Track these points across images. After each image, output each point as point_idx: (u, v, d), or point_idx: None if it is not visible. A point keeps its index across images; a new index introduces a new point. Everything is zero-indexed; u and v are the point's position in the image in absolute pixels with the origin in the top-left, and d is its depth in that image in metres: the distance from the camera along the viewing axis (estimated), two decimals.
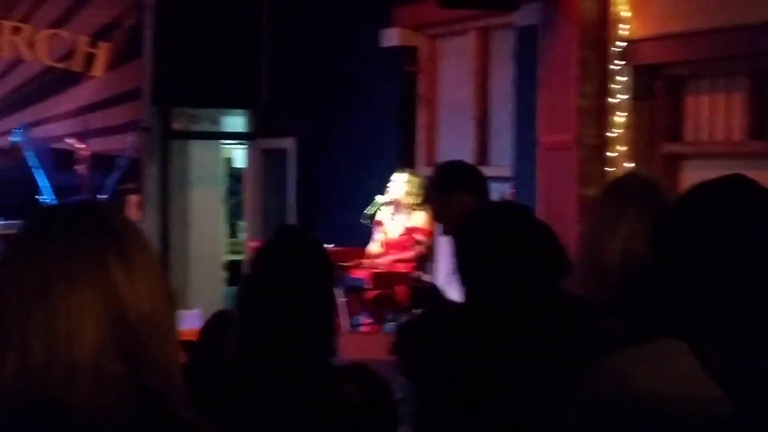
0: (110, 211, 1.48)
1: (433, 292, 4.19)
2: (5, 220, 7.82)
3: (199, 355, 2.94)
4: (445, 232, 5.27)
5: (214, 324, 3.08)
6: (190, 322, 6.93)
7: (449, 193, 4.38)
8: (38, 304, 1.36)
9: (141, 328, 1.40)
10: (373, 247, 7.72)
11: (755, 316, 1.57)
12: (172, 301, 1.48)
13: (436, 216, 4.51)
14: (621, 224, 2.58)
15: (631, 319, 2.24)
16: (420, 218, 7.54)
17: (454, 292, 3.08)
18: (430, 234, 7.48)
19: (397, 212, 7.54)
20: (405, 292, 7.30)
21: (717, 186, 1.69)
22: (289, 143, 9.70)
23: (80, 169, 8.02)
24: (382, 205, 7.56)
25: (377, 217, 7.68)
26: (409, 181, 7.50)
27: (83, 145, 8.11)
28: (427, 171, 8.36)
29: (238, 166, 11.74)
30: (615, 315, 2.42)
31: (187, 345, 5.25)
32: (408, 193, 7.48)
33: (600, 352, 1.84)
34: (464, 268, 2.46)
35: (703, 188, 1.71)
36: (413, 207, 7.52)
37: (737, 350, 1.57)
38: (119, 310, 1.39)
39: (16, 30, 8.62)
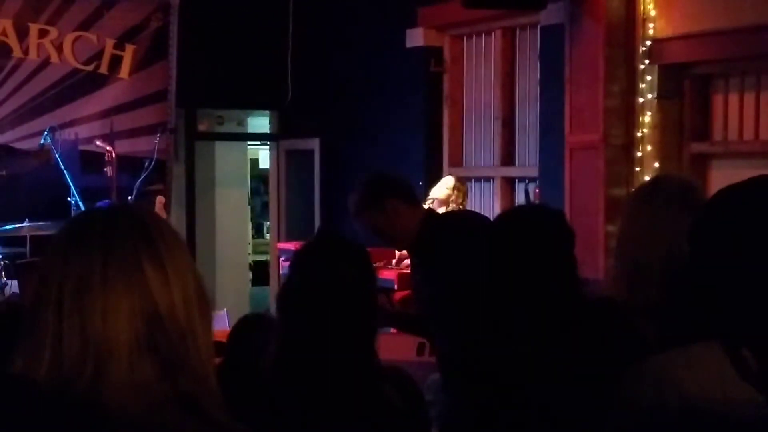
0: (147, 215, 1.50)
1: None
2: (34, 221, 7.87)
3: (232, 358, 2.95)
4: (393, 246, 5.23)
5: (245, 327, 3.09)
6: (216, 323, 6.96)
7: (381, 205, 4.32)
8: (75, 304, 1.38)
9: (175, 330, 1.42)
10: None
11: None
12: (206, 304, 1.49)
13: (375, 232, 4.45)
14: (665, 226, 2.55)
15: (674, 321, 2.23)
16: None
17: None
18: None
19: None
20: None
21: (748, 187, 1.68)
22: (314, 144, 9.72)
23: (108, 171, 8.05)
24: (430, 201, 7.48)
25: None
26: (455, 188, 7.31)
27: (110, 148, 8.14)
28: (455, 171, 8.38)
29: (264, 167, 11.77)
30: (654, 317, 2.41)
31: (215, 346, 5.24)
32: (449, 197, 7.32)
33: (631, 356, 1.83)
34: (494, 271, 2.46)
35: (733, 190, 1.71)
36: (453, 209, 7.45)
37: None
38: (154, 313, 1.40)
39: (44, 33, 8.68)
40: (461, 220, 4.66)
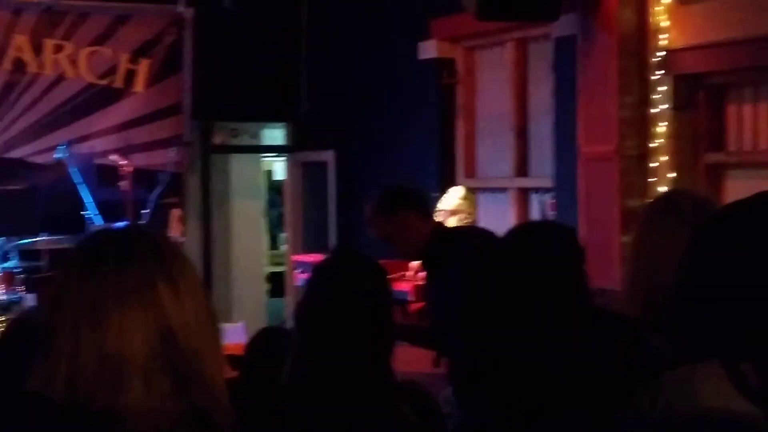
0: (159, 235, 1.52)
1: None
2: (51, 234, 7.92)
3: (249, 372, 2.96)
4: (402, 256, 5.32)
5: (262, 341, 3.10)
6: (233, 335, 6.98)
7: (394, 214, 4.58)
8: (91, 323, 1.40)
9: (189, 347, 1.43)
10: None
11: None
12: (215, 321, 1.51)
13: (386, 240, 4.66)
14: (678, 243, 2.54)
15: (685, 339, 2.22)
16: None
17: None
18: None
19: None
20: None
21: (749, 203, 1.69)
22: (328, 156, 9.74)
23: (123, 185, 8.09)
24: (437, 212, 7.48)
25: None
26: (464, 198, 7.33)
27: (125, 161, 8.18)
28: (469, 182, 8.38)
29: (278, 179, 11.80)
30: (668, 336, 2.40)
31: (231, 359, 5.28)
32: (459, 206, 7.33)
33: (643, 372, 1.83)
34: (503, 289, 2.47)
35: (735, 206, 1.71)
36: (463, 219, 7.46)
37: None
38: (168, 330, 1.42)
39: (59, 48, 8.73)
40: (469, 235, 4.76)
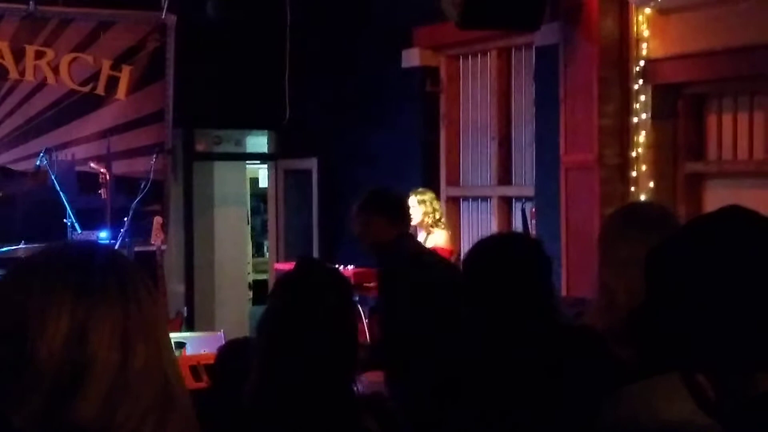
0: (117, 254, 1.50)
1: None
2: (30, 243, 7.87)
3: (217, 385, 2.94)
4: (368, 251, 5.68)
5: (229, 353, 3.09)
6: (213, 343, 6.95)
7: (362, 214, 4.99)
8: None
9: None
10: None
11: (743, 343, 1.57)
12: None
13: (359, 237, 5.02)
14: (640, 254, 2.54)
15: (642, 349, 2.23)
16: (441, 237, 7.52)
17: None
18: (451, 253, 7.46)
19: (417, 234, 7.52)
20: None
21: (711, 219, 1.69)
22: (312, 163, 9.73)
23: (102, 192, 8.06)
24: None
25: None
26: (420, 202, 7.45)
27: (104, 170, 8.15)
28: (452, 191, 8.39)
29: (263, 186, 11.79)
30: (633, 345, 2.40)
31: (209, 368, 5.22)
32: (425, 213, 7.45)
33: (607, 383, 1.84)
34: (471, 300, 2.46)
35: (698, 219, 1.71)
36: (432, 226, 7.50)
37: (727, 379, 1.56)
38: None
39: (40, 54, 8.70)
40: (425, 264, 4.95)
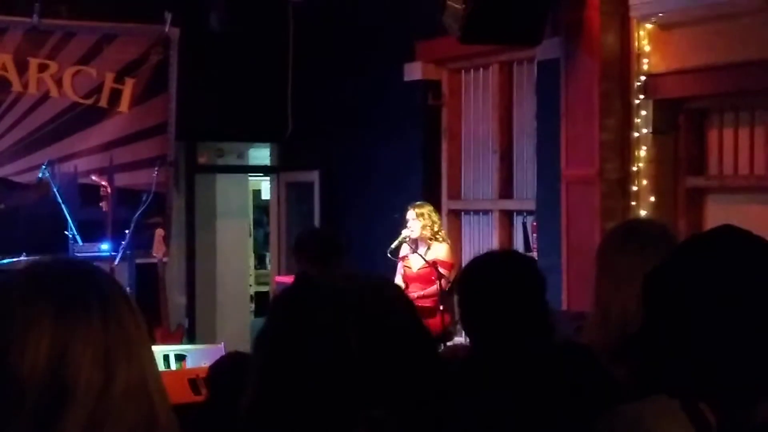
0: (98, 272, 1.49)
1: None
2: (32, 254, 7.87)
3: (212, 399, 2.94)
4: None
5: (223, 368, 3.08)
6: (214, 356, 6.94)
7: (297, 258, 5.92)
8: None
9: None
10: (397, 281, 7.71)
11: (745, 370, 1.56)
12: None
13: None
14: (645, 269, 2.54)
15: (640, 369, 2.22)
16: (442, 250, 7.53)
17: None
18: (451, 267, 7.47)
19: (418, 246, 7.54)
20: (428, 326, 7.28)
21: (707, 239, 1.69)
22: (314, 176, 9.74)
23: (103, 205, 8.07)
24: (403, 240, 7.56)
25: (401, 252, 7.68)
26: (419, 215, 7.49)
27: (105, 183, 8.17)
28: (453, 204, 8.40)
29: (266, 198, 11.80)
30: (629, 365, 2.40)
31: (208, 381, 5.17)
32: (423, 226, 7.48)
33: (601, 401, 1.84)
34: (464, 318, 2.47)
35: (694, 241, 1.71)
36: (432, 239, 7.52)
37: (729, 406, 1.56)
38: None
39: (43, 67, 8.72)
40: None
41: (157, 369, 1.49)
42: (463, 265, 6.90)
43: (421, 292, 7.48)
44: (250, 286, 11.55)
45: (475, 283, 2.50)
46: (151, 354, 1.47)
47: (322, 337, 2.41)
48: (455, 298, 7.55)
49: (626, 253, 2.65)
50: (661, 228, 2.81)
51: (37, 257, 7.49)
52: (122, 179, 8.77)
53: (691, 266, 1.62)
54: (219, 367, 3.13)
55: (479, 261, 2.59)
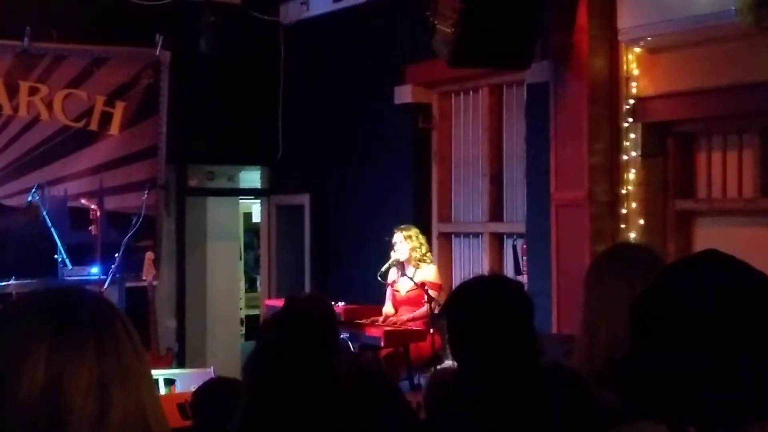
0: (97, 299, 1.49)
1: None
2: (21, 278, 7.86)
3: (199, 425, 2.94)
4: None
5: (208, 393, 3.08)
6: (203, 381, 6.92)
7: None
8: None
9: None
10: (387, 307, 7.72)
11: (734, 393, 1.56)
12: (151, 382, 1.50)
13: None
14: (633, 292, 2.54)
15: (629, 399, 2.22)
16: (430, 272, 7.55)
17: None
18: (440, 288, 7.48)
19: (405, 269, 7.55)
20: (418, 350, 7.28)
21: (691, 264, 1.69)
22: (304, 199, 9.74)
23: (92, 229, 8.06)
24: (393, 264, 7.58)
25: (389, 277, 7.69)
26: (407, 237, 7.53)
27: (95, 206, 8.16)
28: (443, 227, 8.41)
29: (257, 221, 11.79)
30: (615, 390, 2.39)
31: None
32: (412, 249, 7.52)
33: (588, 429, 1.84)
34: (452, 341, 2.47)
35: (678, 267, 1.72)
36: (420, 260, 7.55)
37: (719, 430, 1.56)
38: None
39: (34, 91, 8.72)
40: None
41: (157, 398, 1.48)
42: (453, 288, 6.94)
43: (411, 315, 7.48)
44: (241, 309, 11.52)
45: (463, 306, 2.50)
46: (150, 382, 1.46)
47: (312, 360, 2.43)
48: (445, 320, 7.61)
49: (613, 277, 2.65)
50: (647, 251, 2.82)
51: (30, 282, 7.52)
52: (112, 202, 8.76)
53: (675, 291, 1.63)
54: (203, 393, 3.12)
55: (467, 285, 2.60)
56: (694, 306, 1.59)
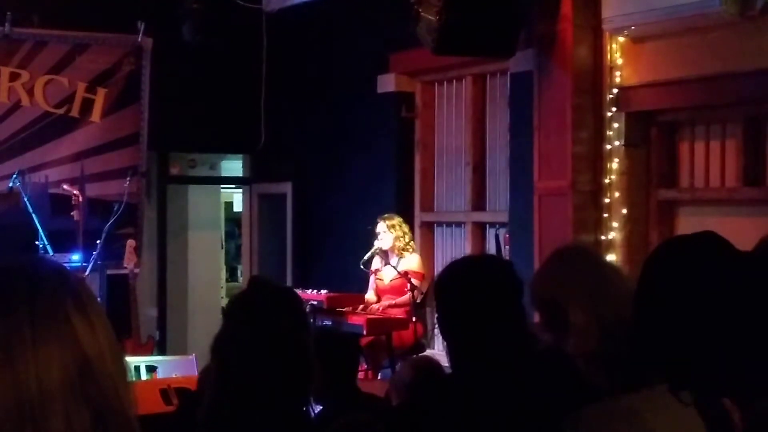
0: (64, 267, 1.49)
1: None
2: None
3: (186, 404, 2.93)
4: None
5: (206, 375, 3.07)
6: (185, 367, 6.91)
7: None
8: (5, 361, 1.36)
9: (105, 378, 1.41)
10: (370, 294, 7.73)
11: (726, 361, 1.58)
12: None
13: None
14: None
15: (620, 369, 2.24)
16: (413, 261, 7.56)
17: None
18: (423, 277, 7.49)
19: (389, 258, 7.56)
20: (400, 338, 7.29)
21: (690, 241, 1.71)
22: (286, 188, 9.72)
23: (75, 215, 8.02)
24: (376, 252, 7.59)
25: (372, 265, 7.69)
26: (390, 227, 7.54)
27: (77, 192, 8.11)
28: (426, 216, 8.41)
29: (238, 210, 11.76)
30: (600, 365, 2.42)
31: (180, 391, 5.19)
32: (396, 238, 7.53)
33: (576, 403, 1.85)
34: (441, 320, 2.47)
35: (677, 243, 1.73)
36: (403, 250, 7.56)
37: (711, 394, 1.58)
38: (85, 363, 1.39)
39: (15, 76, 8.66)
40: None
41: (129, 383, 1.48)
42: (435, 276, 6.95)
43: (393, 301, 7.50)
44: (222, 298, 11.50)
45: (454, 285, 2.50)
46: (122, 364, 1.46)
47: (280, 339, 2.42)
48: (427, 309, 7.60)
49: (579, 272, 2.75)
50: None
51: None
52: (94, 189, 8.72)
53: (679, 265, 1.65)
54: (201, 376, 3.12)
55: (457, 264, 2.60)
56: (691, 279, 1.60)
